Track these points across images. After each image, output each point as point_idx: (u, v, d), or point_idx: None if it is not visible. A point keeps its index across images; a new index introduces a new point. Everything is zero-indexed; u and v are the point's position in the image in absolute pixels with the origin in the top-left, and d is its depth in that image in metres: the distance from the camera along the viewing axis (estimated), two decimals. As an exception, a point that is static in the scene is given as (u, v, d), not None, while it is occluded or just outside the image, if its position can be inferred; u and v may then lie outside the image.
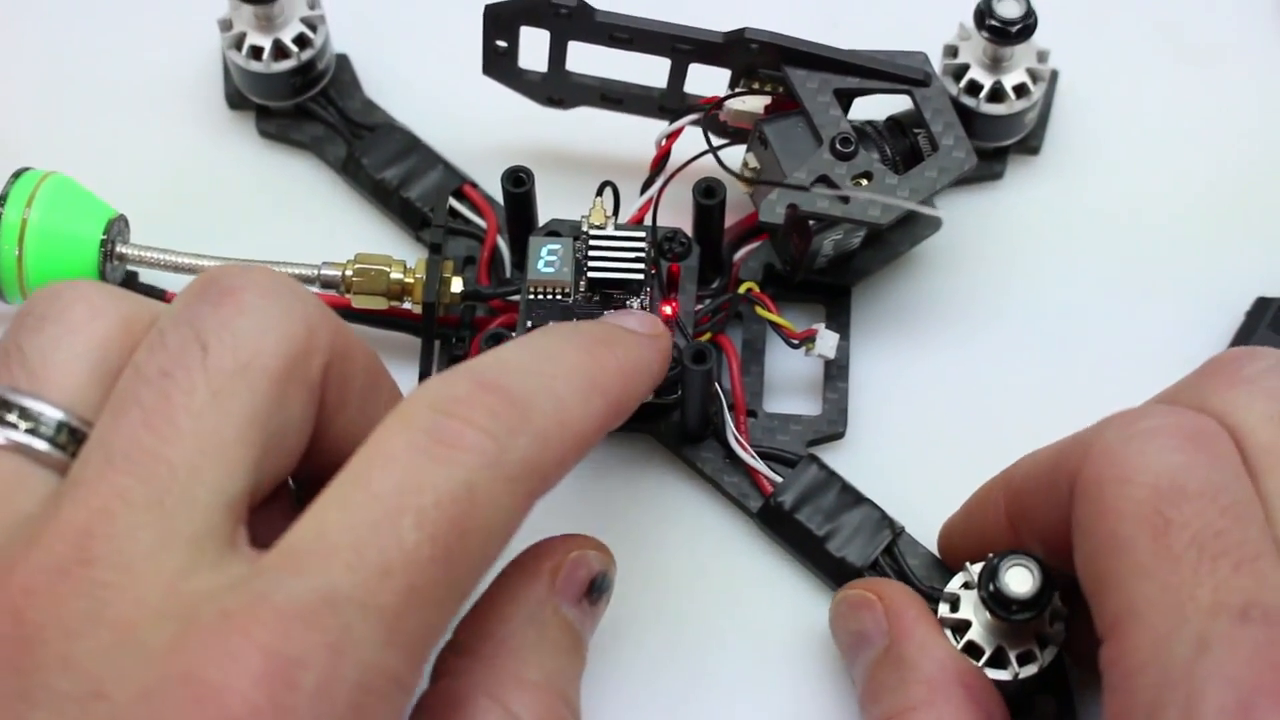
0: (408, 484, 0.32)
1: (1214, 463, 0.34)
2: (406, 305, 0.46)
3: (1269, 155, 0.52)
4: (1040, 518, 0.39)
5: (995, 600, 0.40)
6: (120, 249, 0.46)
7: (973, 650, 0.41)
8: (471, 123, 0.51)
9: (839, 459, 0.46)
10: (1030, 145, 0.51)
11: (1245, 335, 0.48)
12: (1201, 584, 0.33)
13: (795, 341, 0.46)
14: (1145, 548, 0.34)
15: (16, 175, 0.45)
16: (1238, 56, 0.53)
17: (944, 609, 0.42)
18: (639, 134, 0.49)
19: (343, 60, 0.51)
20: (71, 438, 0.33)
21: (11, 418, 0.33)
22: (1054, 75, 0.51)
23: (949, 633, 0.41)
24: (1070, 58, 0.51)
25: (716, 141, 0.47)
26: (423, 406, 0.33)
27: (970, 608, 0.41)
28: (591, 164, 0.51)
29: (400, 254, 0.47)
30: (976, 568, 0.41)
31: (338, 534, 0.32)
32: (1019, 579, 0.40)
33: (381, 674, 0.31)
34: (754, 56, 0.45)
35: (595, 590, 0.40)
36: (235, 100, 0.51)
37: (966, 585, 0.42)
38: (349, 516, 0.32)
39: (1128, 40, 0.53)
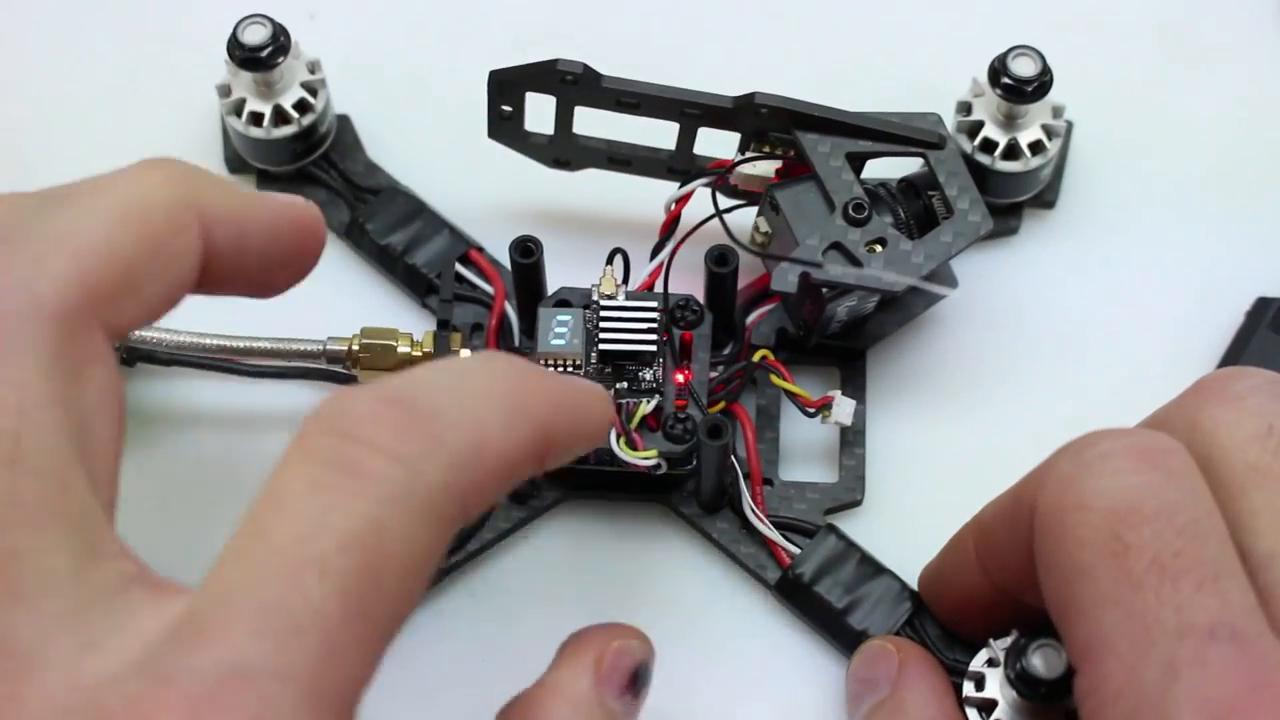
0: (307, 530, 0.29)
1: (1170, 481, 0.34)
2: (414, 378, 0.46)
3: (1269, 155, 0.51)
4: (1005, 554, 0.39)
5: (1022, 681, 0.39)
6: (121, 327, 0.45)
7: (998, 730, 0.40)
8: (476, 185, 0.50)
9: (857, 527, 0.46)
10: (1045, 199, 0.50)
11: (1245, 335, 0.48)
12: (1165, 607, 0.33)
13: (811, 410, 0.45)
14: (1106, 575, 0.33)
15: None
16: (1238, 58, 0.53)
17: (969, 687, 0.41)
18: (647, 195, 0.48)
19: (344, 121, 0.51)
20: None
21: None
22: (1069, 127, 0.50)
23: (974, 712, 0.41)
24: (1084, 109, 0.51)
25: (727, 203, 0.46)
26: (319, 431, 0.30)
27: (996, 686, 0.41)
28: (599, 226, 0.50)
29: (406, 320, 0.46)
30: (1001, 644, 0.41)
31: (239, 597, 0.29)
32: (1046, 660, 0.39)
33: None
34: (764, 121, 0.45)
35: (638, 682, 0.39)
36: (235, 164, 0.50)
37: (991, 662, 0.41)
38: (249, 574, 0.29)
39: (1139, 87, 0.52)
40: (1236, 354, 0.48)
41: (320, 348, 0.45)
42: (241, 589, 0.29)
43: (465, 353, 0.45)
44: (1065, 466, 0.35)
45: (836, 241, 0.43)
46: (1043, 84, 0.46)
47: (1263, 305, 0.48)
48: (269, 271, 0.37)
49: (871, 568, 0.45)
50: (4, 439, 0.29)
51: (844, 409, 0.45)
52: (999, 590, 0.40)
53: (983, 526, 0.40)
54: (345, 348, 0.45)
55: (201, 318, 0.46)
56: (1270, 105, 0.52)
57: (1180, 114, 0.52)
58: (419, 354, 0.45)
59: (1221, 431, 0.36)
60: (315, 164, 0.50)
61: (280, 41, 0.47)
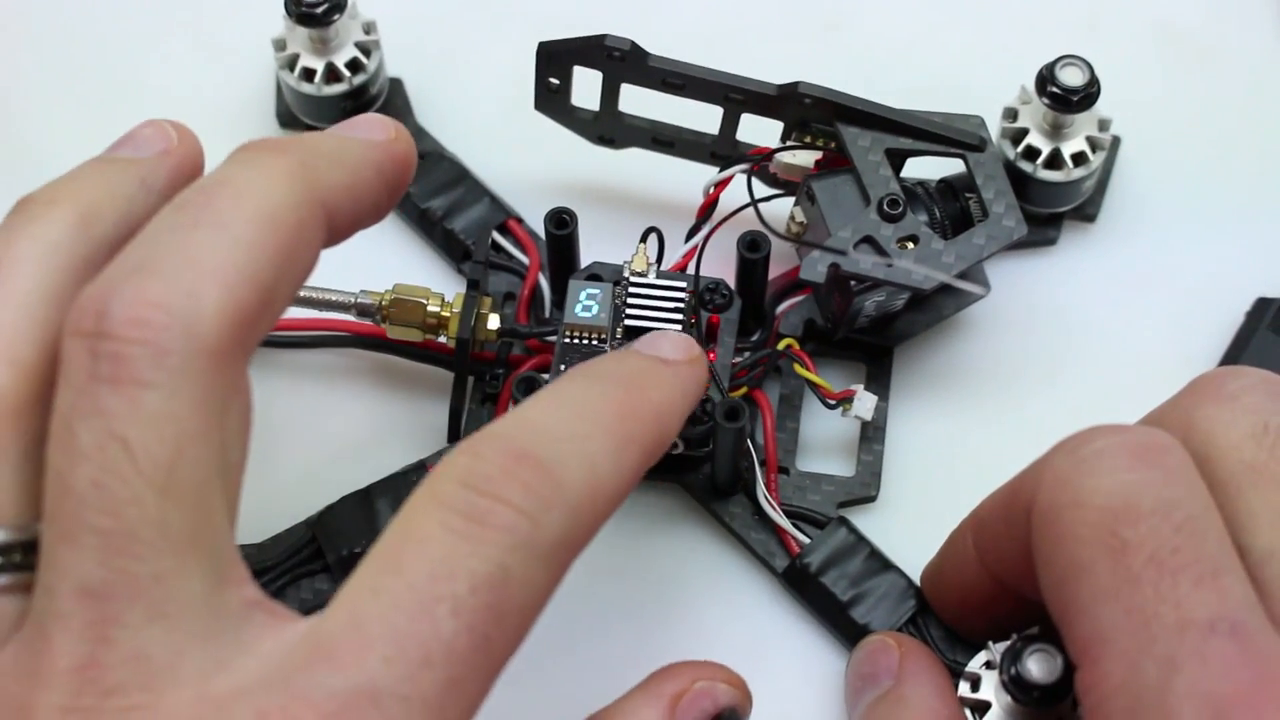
0: (442, 570, 0.31)
1: (1166, 478, 0.34)
2: (442, 339, 0.46)
3: (1269, 155, 0.51)
4: (1003, 548, 0.39)
5: (1016, 684, 0.39)
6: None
7: (991, 733, 0.40)
8: (521, 156, 0.51)
9: (869, 522, 0.46)
10: (1087, 213, 0.50)
11: (1245, 335, 0.48)
12: (1164, 602, 0.33)
13: (832, 402, 0.45)
14: (1105, 571, 0.34)
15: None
16: (1240, 58, 0.53)
17: (964, 688, 0.41)
18: (687, 177, 0.48)
19: (396, 84, 0.51)
20: (21, 550, 0.32)
21: None
22: (1116, 142, 0.50)
23: (968, 713, 0.41)
24: (1133, 125, 0.50)
25: (765, 192, 0.46)
26: (453, 482, 0.32)
27: (991, 689, 0.41)
28: (640, 205, 0.50)
29: (441, 285, 0.46)
30: (999, 647, 0.40)
31: (373, 625, 0.31)
32: (1041, 664, 0.39)
33: None
34: (807, 111, 0.45)
35: None
36: (286, 119, 0.51)
37: (988, 665, 0.41)
38: (383, 606, 0.31)
39: (1191, 109, 0.52)
40: (1236, 354, 0.47)
41: (352, 299, 0.45)
42: (376, 618, 0.31)
43: (493, 320, 0.45)
44: (1061, 464, 0.35)
45: (868, 235, 0.43)
46: (1089, 95, 0.46)
47: (1263, 305, 0.48)
48: (374, 215, 0.38)
49: (879, 563, 0.45)
50: (159, 470, 0.31)
51: (865, 403, 0.45)
52: (999, 584, 0.40)
53: (980, 521, 0.41)
54: (376, 301, 0.45)
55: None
56: (1270, 105, 0.52)
57: (1197, 120, 0.52)
58: (446, 314, 0.45)
59: (1217, 430, 0.36)
60: (364, 124, 0.50)
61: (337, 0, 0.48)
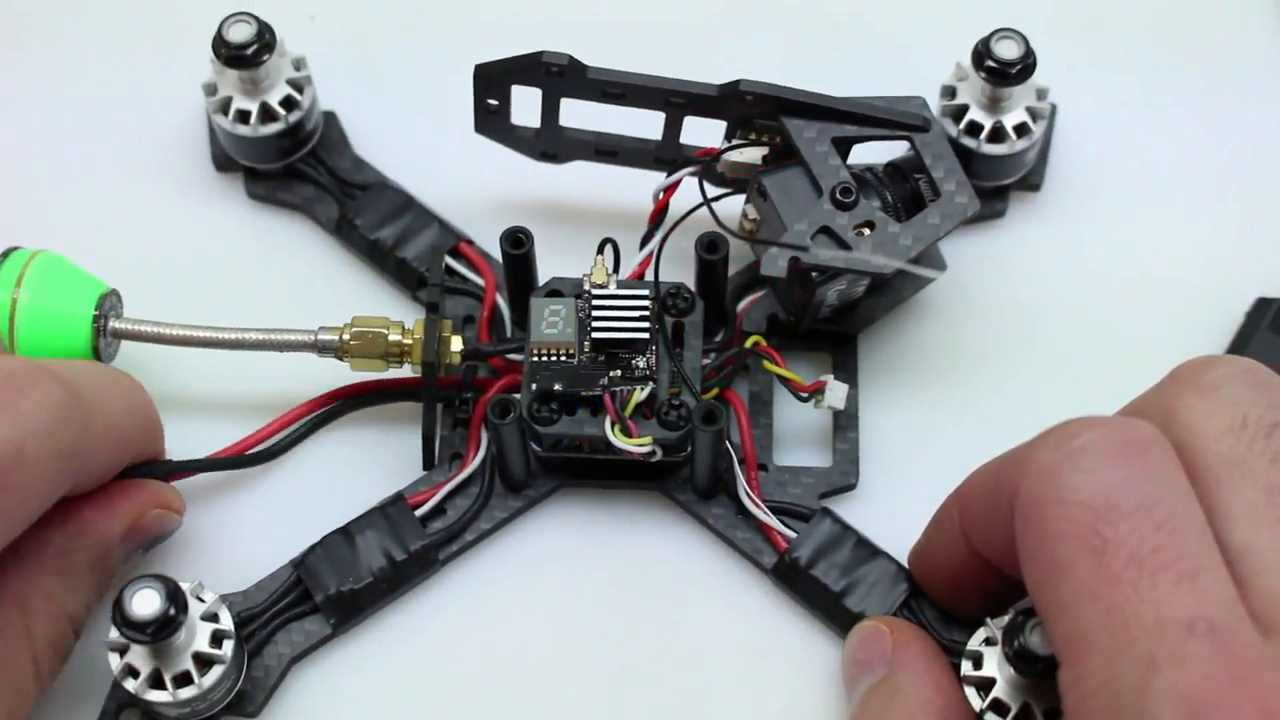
0: None
1: (1147, 475, 0.35)
2: (406, 369, 0.46)
3: (1269, 156, 0.52)
4: (988, 531, 0.39)
5: (1020, 658, 0.39)
6: (113, 324, 0.45)
7: (999, 708, 0.41)
8: (464, 179, 0.50)
9: (852, 510, 0.46)
10: (1031, 182, 0.50)
11: (1245, 335, 0.48)
12: (1144, 602, 0.33)
13: (804, 395, 0.45)
14: (1086, 570, 0.34)
15: (5, 255, 0.45)
16: (1236, 58, 0.53)
17: (967, 666, 0.41)
18: (635, 185, 0.48)
19: (330, 118, 0.51)
20: None
21: None
22: (1053, 109, 0.51)
23: (973, 691, 0.41)
24: (1067, 91, 0.51)
25: (715, 192, 0.46)
26: None
27: (994, 664, 0.41)
28: (589, 218, 0.50)
29: (397, 315, 0.46)
30: (999, 623, 0.41)
31: None
32: (1044, 637, 0.39)
33: None
34: (749, 108, 0.45)
35: (155, 542, 0.45)
36: (222, 162, 0.50)
37: (988, 641, 0.41)
38: None
39: (1123, 70, 0.53)
40: (1236, 354, 0.48)
41: (311, 337, 0.45)
42: None
43: (456, 342, 0.45)
44: (1044, 458, 0.35)
45: (825, 226, 0.43)
46: (1026, 66, 0.46)
47: (1263, 305, 0.48)
48: None
49: (867, 550, 0.45)
50: None
51: (837, 393, 0.45)
52: (987, 562, 0.40)
53: (965, 503, 0.41)
54: (336, 337, 0.45)
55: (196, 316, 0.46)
56: (1271, 104, 0.53)
57: (1178, 105, 0.52)
58: (409, 341, 0.45)
59: (1196, 422, 0.36)
60: (302, 161, 0.50)
61: (266, 39, 0.47)
